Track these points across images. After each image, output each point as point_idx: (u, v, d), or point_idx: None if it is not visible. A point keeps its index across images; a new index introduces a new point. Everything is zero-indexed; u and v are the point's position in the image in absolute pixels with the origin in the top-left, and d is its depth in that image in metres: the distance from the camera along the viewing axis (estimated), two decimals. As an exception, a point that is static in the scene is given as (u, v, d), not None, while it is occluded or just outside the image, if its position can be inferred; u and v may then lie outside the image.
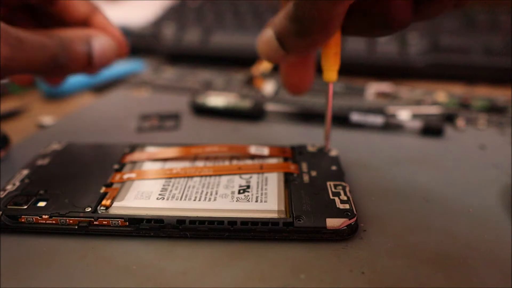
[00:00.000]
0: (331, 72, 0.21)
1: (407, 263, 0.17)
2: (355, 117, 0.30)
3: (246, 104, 0.32)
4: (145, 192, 0.20)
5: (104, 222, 0.18)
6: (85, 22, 0.25)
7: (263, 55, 0.21)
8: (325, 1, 0.17)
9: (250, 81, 0.39)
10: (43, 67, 0.21)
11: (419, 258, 0.17)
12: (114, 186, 0.21)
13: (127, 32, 0.44)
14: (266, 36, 0.20)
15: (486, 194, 0.22)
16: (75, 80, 0.39)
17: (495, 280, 0.16)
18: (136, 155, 0.23)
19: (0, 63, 0.19)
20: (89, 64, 0.23)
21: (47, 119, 0.33)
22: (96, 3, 0.26)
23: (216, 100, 0.33)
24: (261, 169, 0.22)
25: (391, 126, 0.29)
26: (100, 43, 0.24)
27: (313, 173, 0.21)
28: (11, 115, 0.33)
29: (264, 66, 0.41)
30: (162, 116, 0.32)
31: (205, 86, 0.39)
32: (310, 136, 0.29)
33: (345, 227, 0.18)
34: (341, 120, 0.30)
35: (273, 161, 0.23)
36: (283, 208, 0.19)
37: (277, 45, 0.20)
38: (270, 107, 0.32)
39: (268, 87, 0.37)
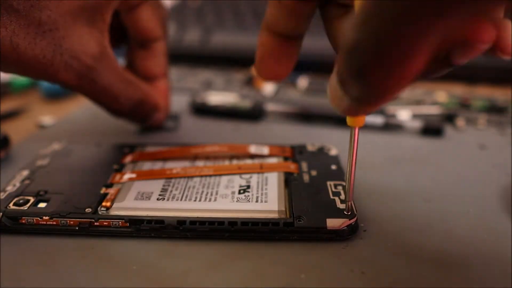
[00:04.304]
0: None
1: (407, 263, 0.17)
2: (355, 117, 0.30)
3: (246, 104, 0.32)
4: (145, 193, 0.20)
5: (104, 223, 0.18)
6: (153, 76, 0.28)
7: (332, 104, 0.15)
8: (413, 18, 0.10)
9: (250, 81, 0.39)
10: (132, 105, 0.25)
11: (419, 258, 0.17)
12: (114, 186, 0.21)
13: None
14: (331, 81, 0.14)
15: (486, 194, 0.22)
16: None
17: (495, 280, 0.16)
18: (136, 155, 0.23)
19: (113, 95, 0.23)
20: (144, 121, 0.27)
21: (47, 119, 0.33)
22: (167, 68, 0.29)
23: (216, 100, 0.33)
24: (261, 169, 0.22)
25: (391, 126, 0.29)
26: (159, 117, 0.27)
27: (313, 173, 0.21)
28: (11, 115, 0.33)
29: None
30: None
31: (205, 86, 0.39)
32: (310, 136, 0.29)
33: (345, 227, 0.18)
34: (341, 120, 0.30)
35: (273, 160, 0.23)
36: (283, 208, 0.19)
37: (341, 92, 0.13)
38: (270, 107, 0.32)
39: (268, 87, 0.37)
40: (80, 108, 0.34)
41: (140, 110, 0.26)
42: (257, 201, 0.19)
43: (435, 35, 0.10)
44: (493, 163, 0.25)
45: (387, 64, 0.11)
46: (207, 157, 0.23)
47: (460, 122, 0.31)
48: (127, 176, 0.21)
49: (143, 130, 0.29)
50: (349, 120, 0.17)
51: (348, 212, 0.18)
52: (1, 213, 0.19)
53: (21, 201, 0.19)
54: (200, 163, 0.23)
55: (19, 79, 0.39)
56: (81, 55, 0.21)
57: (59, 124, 0.31)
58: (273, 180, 0.21)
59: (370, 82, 0.12)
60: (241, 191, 0.20)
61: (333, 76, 0.14)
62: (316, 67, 0.39)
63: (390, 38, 0.10)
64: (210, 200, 0.19)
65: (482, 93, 0.37)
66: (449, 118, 0.31)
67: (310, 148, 0.24)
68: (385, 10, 0.10)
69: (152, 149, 0.24)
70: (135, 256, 0.17)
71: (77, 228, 0.18)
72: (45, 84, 0.37)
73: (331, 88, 0.14)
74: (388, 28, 0.10)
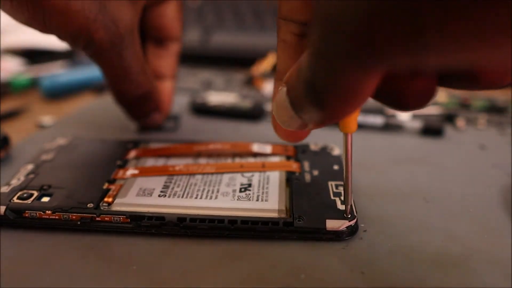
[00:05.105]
0: (350, 120, 0.16)
1: (407, 263, 0.17)
2: (355, 117, 0.30)
3: (246, 104, 0.32)
4: (147, 189, 0.20)
5: (106, 219, 0.18)
6: (160, 74, 0.28)
7: (278, 119, 0.16)
8: (350, 70, 0.11)
9: (250, 81, 0.39)
10: (138, 94, 0.25)
11: (419, 258, 0.17)
12: (117, 182, 0.21)
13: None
14: (279, 96, 0.15)
15: (486, 194, 0.22)
16: (75, 80, 0.39)
17: (495, 280, 0.16)
18: (139, 152, 0.23)
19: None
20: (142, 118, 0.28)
21: (47, 119, 0.33)
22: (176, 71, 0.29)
23: (216, 100, 0.33)
24: (263, 168, 0.22)
25: (391, 126, 0.29)
26: (157, 118, 0.28)
27: (315, 172, 0.21)
28: (11, 115, 0.33)
29: (264, 66, 0.41)
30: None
31: (205, 86, 0.39)
32: (311, 136, 0.28)
33: (345, 229, 0.18)
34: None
35: (275, 159, 0.23)
36: (283, 208, 0.19)
37: (291, 110, 0.15)
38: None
39: (268, 87, 0.37)
40: (80, 108, 0.34)
41: (143, 103, 0.26)
42: (257, 199, 0.19)
43: (375, 71, 0.12)
44: (493, 163, 0.25)
45: (343, 95, 0.12)
46: (209, 154, 0.23)
47: (460, 122, 0.31)
48: (129, 172, 0.21)
49: (141, 130, 0.29)
50: (341, 126, 0.16)
51: (348, 215, 0.18)
52: (5, 206, 0.19)
53: (25, 195, 0.19)
54: (202, 161, 0.23)
55: (19, 79, 0.39)
56: (118, 22, 0.22)
57: (59, 124, 0.31)
58: (275, 179, 0.21)
59: (328, 110, 0.13)
60: (242, 190, 0.20)
61: (282, 98, 0.15)
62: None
63: (340, 76, 0.12)
64: (211, 197, 0.19)
65: (482, 93, 0.37)
66: (449, 118, 0.31)
67: (313, 147, 0.24)
68: (331, 53, 0.12)
69: (156, 145, 0.24)
70: (135, 255, 0.17)
71: (78, 222, 0.18)
72: (45, 84, 0.37)
73: (280, 108, 0.15)
74: (337, 67, 0.12)
